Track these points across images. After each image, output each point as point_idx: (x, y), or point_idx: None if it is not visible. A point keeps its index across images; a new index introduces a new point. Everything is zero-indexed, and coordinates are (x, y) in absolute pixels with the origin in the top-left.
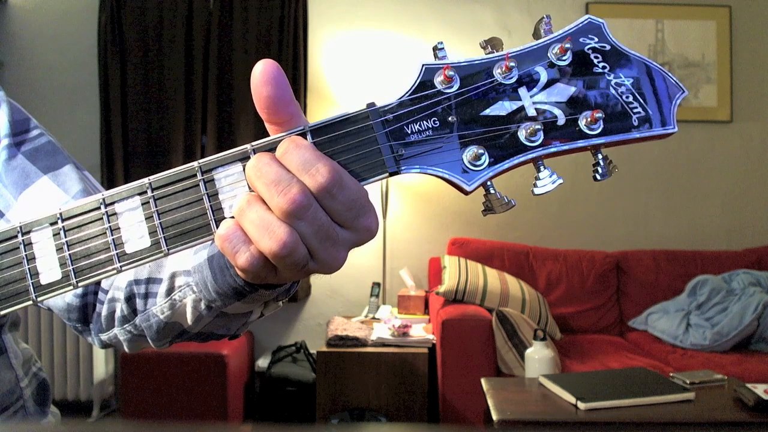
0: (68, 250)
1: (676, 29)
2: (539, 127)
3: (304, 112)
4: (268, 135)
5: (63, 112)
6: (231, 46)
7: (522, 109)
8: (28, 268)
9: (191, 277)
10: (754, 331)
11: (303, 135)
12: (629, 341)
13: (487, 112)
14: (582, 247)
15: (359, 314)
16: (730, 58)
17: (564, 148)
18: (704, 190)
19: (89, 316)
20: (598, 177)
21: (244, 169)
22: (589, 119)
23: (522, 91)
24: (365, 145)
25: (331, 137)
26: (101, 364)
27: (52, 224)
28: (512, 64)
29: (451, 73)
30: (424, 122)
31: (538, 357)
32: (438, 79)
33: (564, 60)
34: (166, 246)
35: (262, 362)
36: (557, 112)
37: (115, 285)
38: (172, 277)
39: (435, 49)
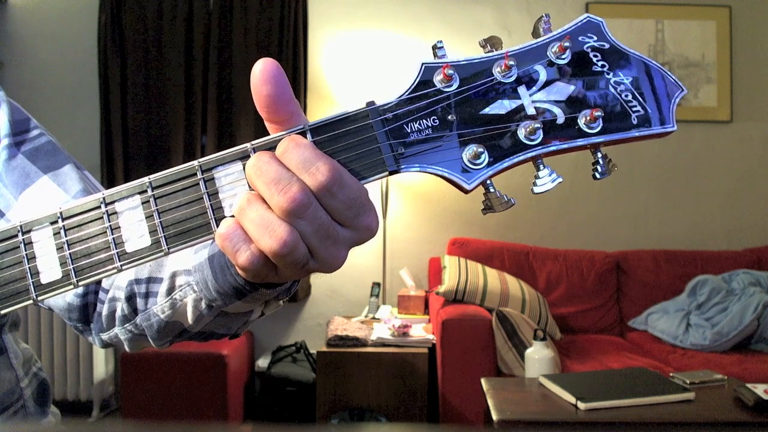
0: (68, 249)
1: (676, 29)
2: (539, 125)
3: (304, 112)
4: (268, 134)
5: (63, 112)
6: (231, 46)
7: (521, 107)
8: (29, 268)
9: (192, 277)
10: (754, 331)
11: (303, 134)
12: (629, 341)
13: (487, 110)
14: (582, 247)
15: (359, 314)
16: (730, 58)
17: (563, 147)
18: (704, 190)
19: (90, 316)
20: (598, 176)
21: (244, 168)
22: (588, 118)
23: (521, 89)
24: (365, 143)
25: (330, 136)
26: (101, 364)
27: (52, 223)
28: (512, 62)
29: (451, 71)
30: (424, 121)
31: (538, 357)
32: (437, 78)
33: (563, 59)
34: (167, 245)
35: (262, 362)
36: (556, 110)
37: (116, 284)
38: (173, 276)
39: (434, 48)
